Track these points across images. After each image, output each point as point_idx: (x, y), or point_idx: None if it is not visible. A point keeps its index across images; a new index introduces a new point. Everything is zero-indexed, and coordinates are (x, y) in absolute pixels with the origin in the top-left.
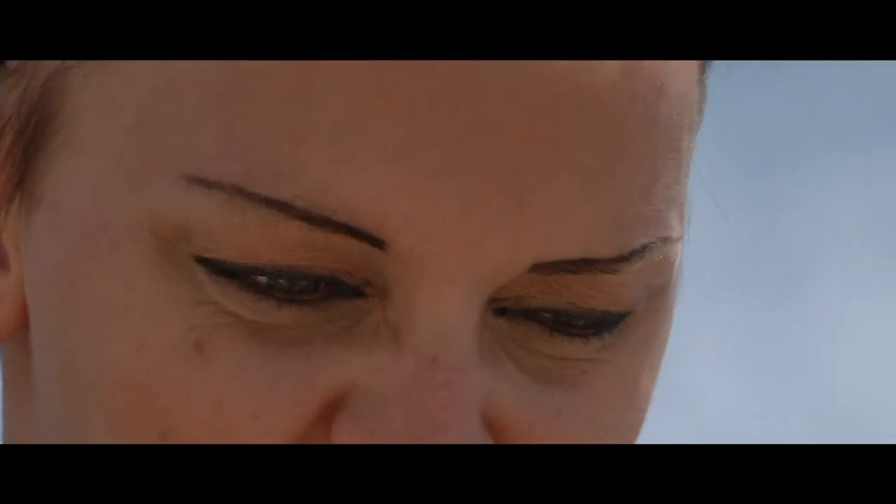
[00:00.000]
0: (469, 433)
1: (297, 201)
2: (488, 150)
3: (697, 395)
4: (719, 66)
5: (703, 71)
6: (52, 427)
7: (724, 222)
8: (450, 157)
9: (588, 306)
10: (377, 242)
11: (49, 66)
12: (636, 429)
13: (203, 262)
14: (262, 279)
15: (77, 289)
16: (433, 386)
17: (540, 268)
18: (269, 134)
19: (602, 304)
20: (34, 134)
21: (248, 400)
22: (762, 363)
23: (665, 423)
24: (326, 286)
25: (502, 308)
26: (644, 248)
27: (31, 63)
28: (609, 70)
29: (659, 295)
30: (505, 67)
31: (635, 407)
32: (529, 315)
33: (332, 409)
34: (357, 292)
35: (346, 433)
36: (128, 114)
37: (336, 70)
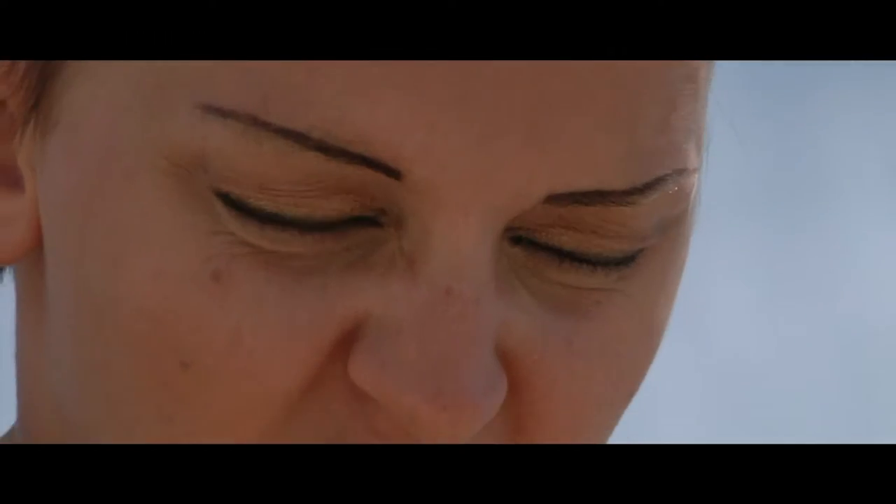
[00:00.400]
0: (481, 364)
1: (313, 132)
2: (504, 82)
3: (716, 320)
4: None
5: None
6: (65, 349)
7: (743, 150)
8: (465, 89)
9: (599, 246)
10: (393, 173)
11: None
12: (648, 359)
13: (221, 195)
14: (280, 209)
15: (92, 214)
16: (446, 317)
17: (554, 199)
18: (285, 64)
19: (614, 240)
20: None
21: (267, 330)
22: (780, 290)
23: (683, 350)
24: (343, 214)
25: (518, 237)
26: (658, 181)
27: None
28: None
29: (675, 225)
30: None
31: (649, 337)
32: (544, 245)
33: (350, 338)
34: (373, 221)
35: (360, 364)
36: None
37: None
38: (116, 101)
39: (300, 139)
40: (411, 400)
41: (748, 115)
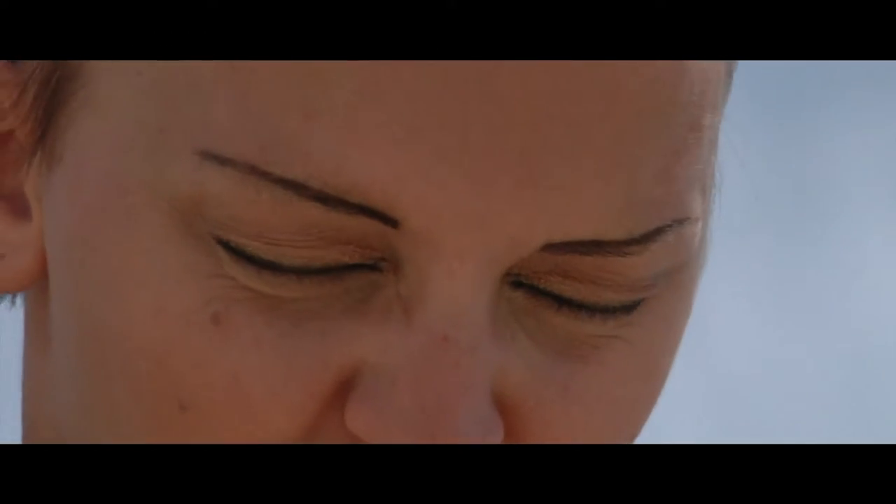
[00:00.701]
0: (476, 411)
1: (311, 181)
2: (501, 130)
3: (720, 334)
4: None
5: None
6: (67, 378)
7: (748, 161)
8: (461, 138)
9: (597, 295)
10: (390, 221)
11: None
12: (649, 405)
13: (220, 241)
14: (279, 257)
15: (94, 250)
16: (443, 365)
17: (551, 247)
18: (283, 110)
19: (612, 289)
20: (56, 89)
21: (265, 375)
22: (786, 303)
23: (687, 363)
24: (342, 262)
25: (518, 281)
26: (658, 231)
27: None
28: None
29: (679, 272)
30: None
31: (649, 384)
32: (543, 291)
33: (347, 385)
34: (372, 267)
35: (356, 412)
36: (145, 79)
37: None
38: (119, 139)
39: (299, 189)
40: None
41: (751, 124)
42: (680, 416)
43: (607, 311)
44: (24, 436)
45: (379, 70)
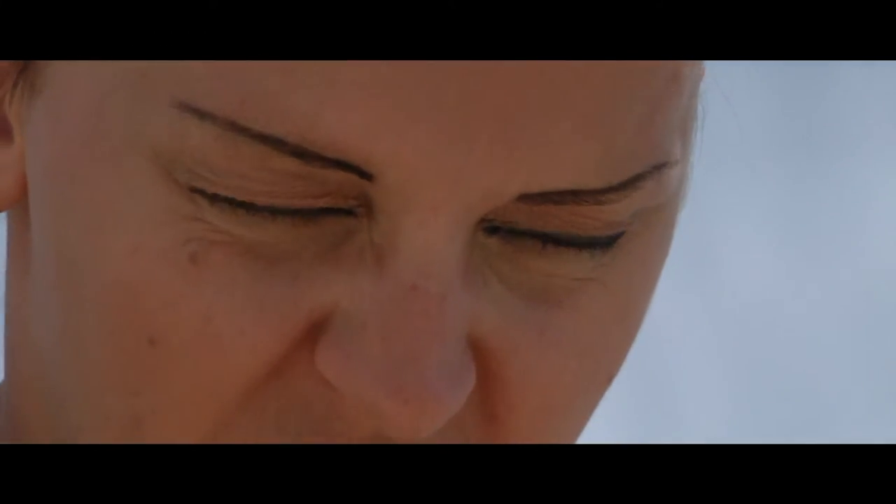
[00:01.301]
0: (445, 359)
1: (289, 137)
2: (477, 87)
3: (731, 265)
4: None
5: None
6: (47, 303)
7: (757, 93)
8: (437, 94)
9: (575, 232)
10: (366, 175)
11: None
12: (625, 347)
13: (198, 191)
14: (255, 200)
15: (75, 184)
16: (411, 314)
17: (526, 198)
18: (262, 66)
19: (589, 230)
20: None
21: (237, 315)
22: (797, 236)
23: (697, 291)
24: (317, 205)
25: (493, 227)
26: (636, 177)
27: None
28: None
29: (656, 213)
30: None
31: (624, 325)
32: (521, 233)
33: (318, 328)
34: (347, 211)
35: (325, 355)
36: None
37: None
38: (100, 80)
39: (277, 144)
40: (374, 394)
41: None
42: (691, 349)
43: (585, 247)
44: (6, 360)
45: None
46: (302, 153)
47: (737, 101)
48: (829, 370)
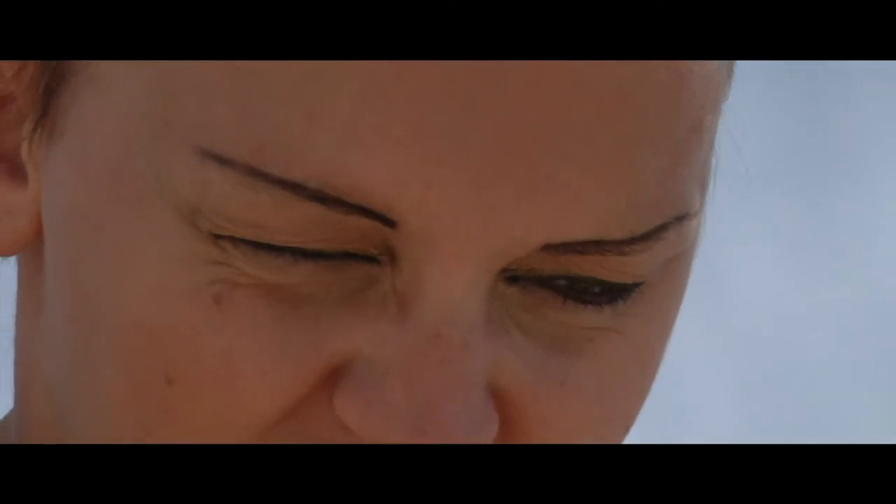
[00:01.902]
0: (467, 407)
1: (310, 182)
2: (503, 134)
3: (739, 282)
4: None
5: None
6: (60, 343)
7: (769, 114)
8: (462, 141)
9: (597, 282)
10: (389, 222)
11: None
12: (643, 394)
13: (221, 238)
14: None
15: (98, 227)
16: (433, 361)
17: (549, 247)
18: (284, 112)
19: (614, 278)
20: (59, 63)
21: (257, 355)
22: (805, 251)
23: (706, 309)
24: (339, 250)
25: (514, 276)
26: (659, 229)
27: None
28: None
29: (674, 262)
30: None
31: (643, 373)
32: (542, 283)
33: (337, 375)
34: (370, 258)
35: (346, 401)
36: (151, 69)
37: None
38: (126, 127)
39: (297, 189)
40: (396, 441)
41: (774, 79)
42: (701, 369)
43: (610, 298)
44: (16, 398)
45: (381, 72)
46: (323, 198)
47: (745, 118)
48: (838, 386)
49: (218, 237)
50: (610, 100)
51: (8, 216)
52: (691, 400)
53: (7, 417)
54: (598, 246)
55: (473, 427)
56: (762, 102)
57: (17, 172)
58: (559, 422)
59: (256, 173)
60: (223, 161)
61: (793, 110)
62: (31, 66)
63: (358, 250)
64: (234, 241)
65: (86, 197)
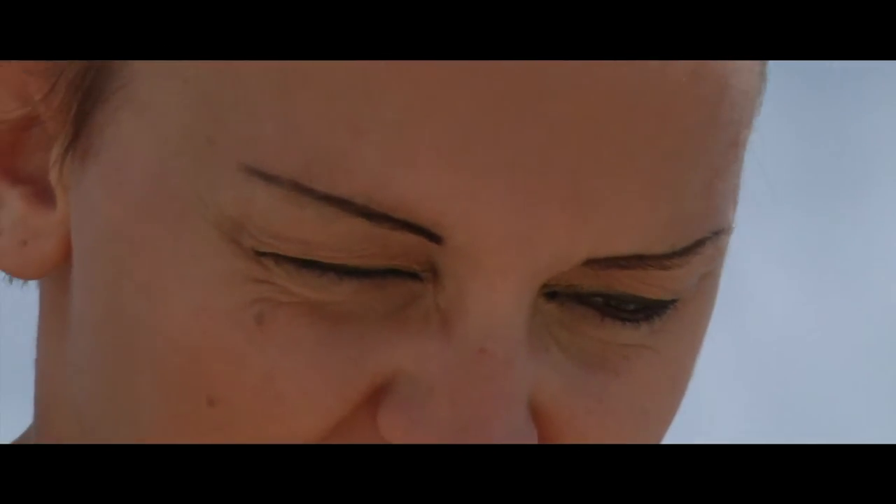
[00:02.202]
0: (512, 424)
1: (356, 198)
2: (549, 149)
3: (755, 299)
4: None
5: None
6: (90, 364)
7: (784, 134)
8: (509, 156)
9: (639, 294)
10: (434, 238)
11: None
12: (674, 411)
13: (265, 255)
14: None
15: (135, 248)
16: (479, 378)
17: (593, 262)
18: (330, 128)
19: (652, 294)
20: (92, 86)
21: (300, 375)
22: (821, 269)
23: (722, 326)
24: (382, 266)
25: (553, 292)
26: (698, 244)
27: None
28: (675, 71)
29: (706, 278)
30: (568, 67)
31: (675, 390)
32: (580, 299)
33: (380, 393)
34: (412, 275)
35: (390, 419)
36: (192, 88)
37: (399, 65)
38: (166, 144)
39: (343, 205)
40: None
41: (789, 99)
42: (716, 384)
43: (647, 315)
44: (39, 419)
45: (428, 88)
46: (369, 214)
47: (762, 131)
48: (853, 400)
49: (261, 254)
50: (654, 115)
51: (35, 239)
52: (705, 412)
53: (26, 435)
54: (640, 260)
55: (517, 443)
56: (780, 115)
57: (44, 195)
58: (594, 439)
59: (302, 189)
60: (268, 178)
61: (810, 123)
62: (62, 88)
63: (401, 266)
64: (278, 258)
65: (122, 217)
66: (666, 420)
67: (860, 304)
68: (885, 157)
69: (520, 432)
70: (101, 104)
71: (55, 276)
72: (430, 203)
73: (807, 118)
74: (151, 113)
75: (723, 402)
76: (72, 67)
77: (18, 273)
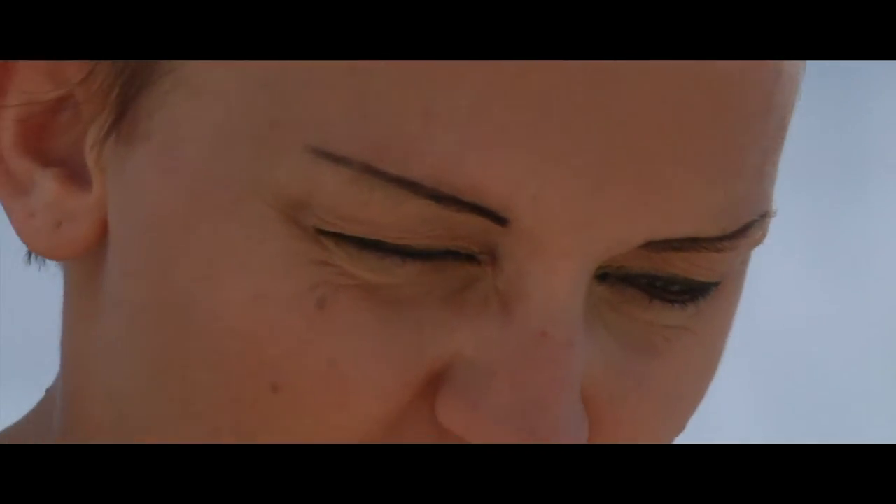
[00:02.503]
0: (572, 407)
1: (425, 180)
2: (616, 134)
3: (766, 291)
4: None
5: None
6: (129, 347)
7: (800, 118)
8: (579, 140)
9: (688, 276)
10: (500, 220)
11: None
12: (703, 395)
13: (326, 233)
14: (383, 241)
15: (190, 232)
16: (540, 361)
17: (650, 245)
18: (402, 111)
19: (700, 276)
20: (137, 69)
21: (362, 360)
22: (830, 260)
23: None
24: (443, 247)
25: (604, 274)
26: (747, 226)
27: None
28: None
29: (742, 262)
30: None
31: (708, 373)
32: (629, 280)
33: (438, 377)
34: (471, 257)
35: (450, 405)
36: (255, 72)
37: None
38: (223, 128)
39: (412, 187)
40: (505, 440)
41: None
42: (725, 374)
43: (692, 297)
44: (67, 402)
45: (500, 71)
46: (437, 196)
47: None
48: (862, 392)
49: (323, 234)
50: (716, 98)
51: (70, 221)
52: (715, 413)
53: (36, 420)
54: (693, 243)
55: (577, 427)
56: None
57: (78, 177)
58: (630, 423)
59: (373, 171)
60: (338, 159)
61: (822, 115)
62: (102, 71)
63: (461, 248)
64: (339, 238)
65: (175, 200)
66: (695, 406)
67: (869, 296)
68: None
69: (577, 416)
70: (147, 87)
71: (84, 257)
72: (499, 186)
73: (821, 106)
74: (206, 96)
75: (730, 395)
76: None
77: (50, 254)
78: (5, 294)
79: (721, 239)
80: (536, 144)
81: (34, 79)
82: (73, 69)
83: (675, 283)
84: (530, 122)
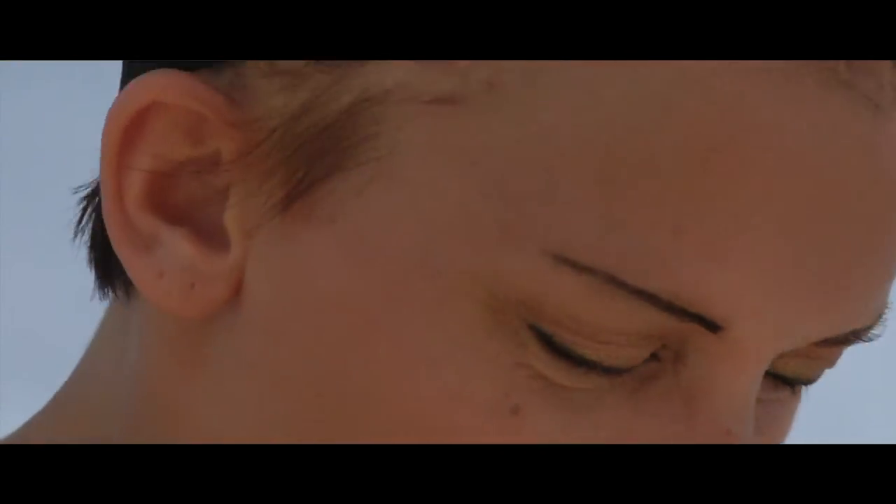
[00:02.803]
0: None
1: (664, 293)
2: (828, 251)
3: None
4: None
5: None
6: (258, 412)
7: None
8: (800, 258)
9: (815, 369)
10: (715, 328)
11: (358, 89)
12: None
13: (538, 332)
14: (590, 354)
15: (378, 324)
16: None
17: (823, 341)
18: (651, 224)
19: (827, 363)
20: (326, 150)
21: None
22: None
23: None
24: (641, 358)
25: None
26: (880, 315)
27: (320, 77)
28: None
29: None
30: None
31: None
32: (782, 376)
33: None
34: (653, 356)
35: None
36: (481, 172)
37: (722, 174)
38: (434, 223)
39: (651, 299)
40: None
41: None
42: None
43: (803, 381)
44: (136, 425)
45: (746, 200)
46: (672, 309)
47: None
48: (861, 398)
49: (537, 335)
50: (890, 199)
51: (205, 283)
52: None
53: (26, 433)
54: (854, 335)
55: None
56: None
57: (212, 238)
58: None
59: (616, 282)
60: (580, 268)
61: None
62: (276, 135)
63: (651, 348)
64: (547, 341)
65: (363, 288)
66: None
67: None
68: None
69: None
70: (342, 172)
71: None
72: (727, 300)
73: None
74: (418, 191)
75: None
76: (285, 122)
77: (181, 313)
78: (5, 294)
79: (870, 328)
80: (769, 266)
81: (170, 137)
82: (219, 132)
83: (798, 380)
84: (776, 243)
